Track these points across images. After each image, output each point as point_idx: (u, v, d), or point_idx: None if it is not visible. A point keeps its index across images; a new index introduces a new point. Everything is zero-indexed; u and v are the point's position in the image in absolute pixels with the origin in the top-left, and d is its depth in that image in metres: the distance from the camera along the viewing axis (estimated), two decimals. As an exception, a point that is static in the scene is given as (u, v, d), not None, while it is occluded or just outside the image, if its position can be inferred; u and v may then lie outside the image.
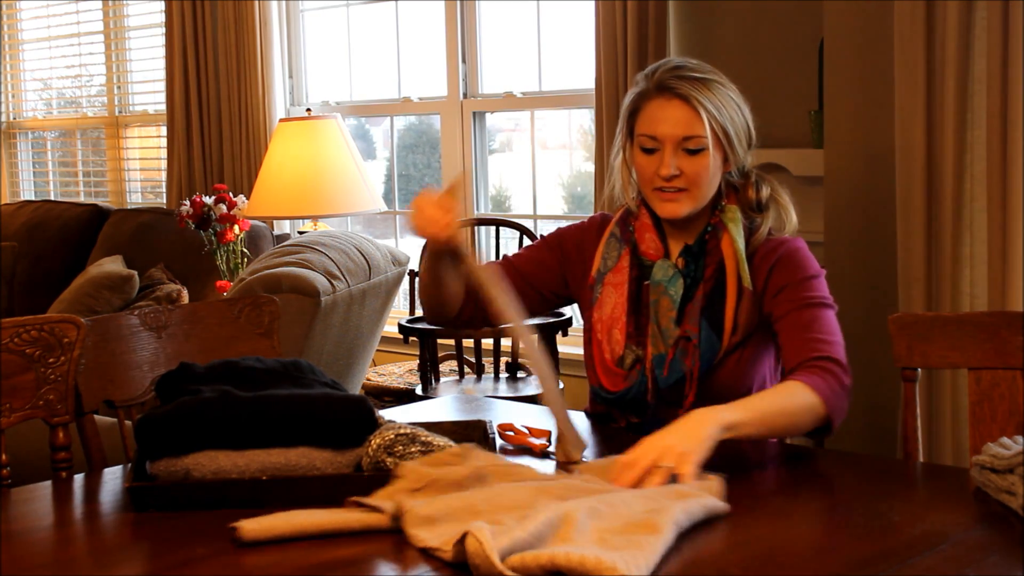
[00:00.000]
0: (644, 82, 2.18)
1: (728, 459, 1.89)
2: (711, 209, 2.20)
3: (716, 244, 2.17)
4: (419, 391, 3.85)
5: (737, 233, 2.16)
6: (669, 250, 2.21)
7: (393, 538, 1.65)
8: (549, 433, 2.10)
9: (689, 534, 1.64)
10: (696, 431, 1.82)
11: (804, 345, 2.07)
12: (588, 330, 2.24)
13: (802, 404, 1.98)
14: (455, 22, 4.78)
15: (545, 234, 2.38)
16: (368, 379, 4.27)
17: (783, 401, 1.98)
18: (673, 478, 1.74)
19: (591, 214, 4.37)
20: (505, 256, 2.36)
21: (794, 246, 2.19)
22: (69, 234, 5.24)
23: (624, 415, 2.22)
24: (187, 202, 4.56)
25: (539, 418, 2.26)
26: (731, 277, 2.15)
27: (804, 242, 2.22)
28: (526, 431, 2.11)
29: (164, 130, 5.73)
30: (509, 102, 4.72)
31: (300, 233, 4.48)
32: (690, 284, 2.16)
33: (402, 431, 1.82)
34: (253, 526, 1.63)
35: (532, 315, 2.30)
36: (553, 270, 2.31)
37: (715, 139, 2.13)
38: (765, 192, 2.22)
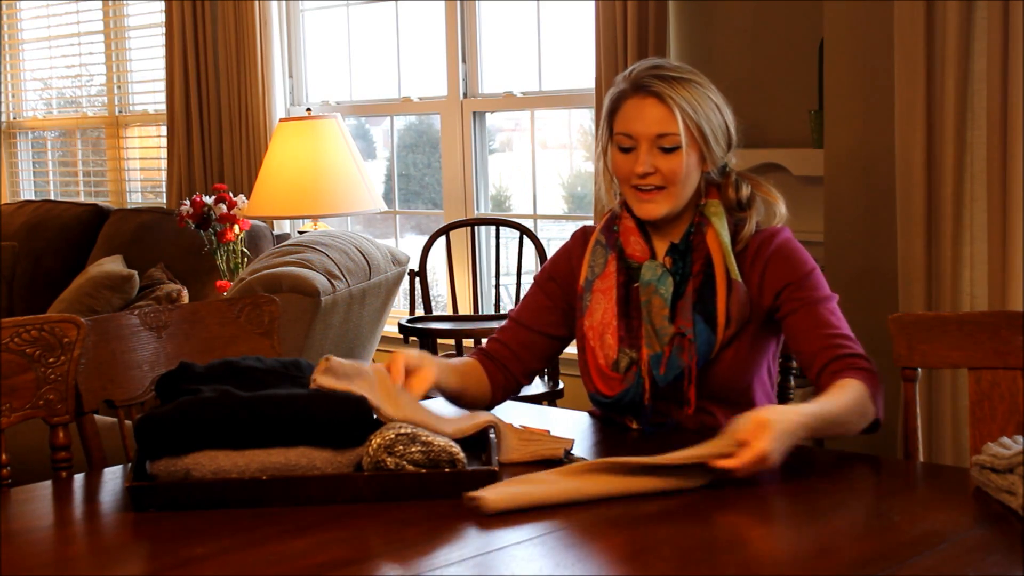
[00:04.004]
0: (622, 82, 2.20)
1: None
2: (694, 208, 2.21)
3: (701, 239, 2.19)
4: (419, 391, 3.84)
5: (721, 227, 2.18)
6: (655, 251, 2.22)
7: (393, 536, 1.65)
8: (547, 432, 2.10)
9: (687, 533, 1.64)
10: (788, 441, 1.85)
11: (828, 342, 2.11)
12: (581, 338, 2.25)
13: (864, 409, 2.03)
14: (455, 22, 4.78)
15: (535, 276, 2.39)
16: (368, 379, 4.26)
17: (850, 402, 2.01)
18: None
19: (590, 214, 4.39)
20: (510, 316, 2.35)
21: (783, 238, 2.21)
22: (69, 234, 5.24)
23: (622, 419, 2.22)
24: (187, 202, 4.56)
25: (538, 418, 2.26)
26: (719, 270, 2.16)
27: (790, 231, 2.25)
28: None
29: (164, 130, 5.73)
30: (509, 102, 4.72)
31: (300, 233, 4.48)
32: (679, 281, 2.17)
33: (402, 431, 1.82)
34: (495, 495, 1.69)
35: (550, 359, 2.35)
36: (555, 306, 2.31)
37: (690, 137, 2.14)
38: (745, 191, 2.24)
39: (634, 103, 2.15)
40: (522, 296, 2.44)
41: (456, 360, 2.25)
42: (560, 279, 2.31)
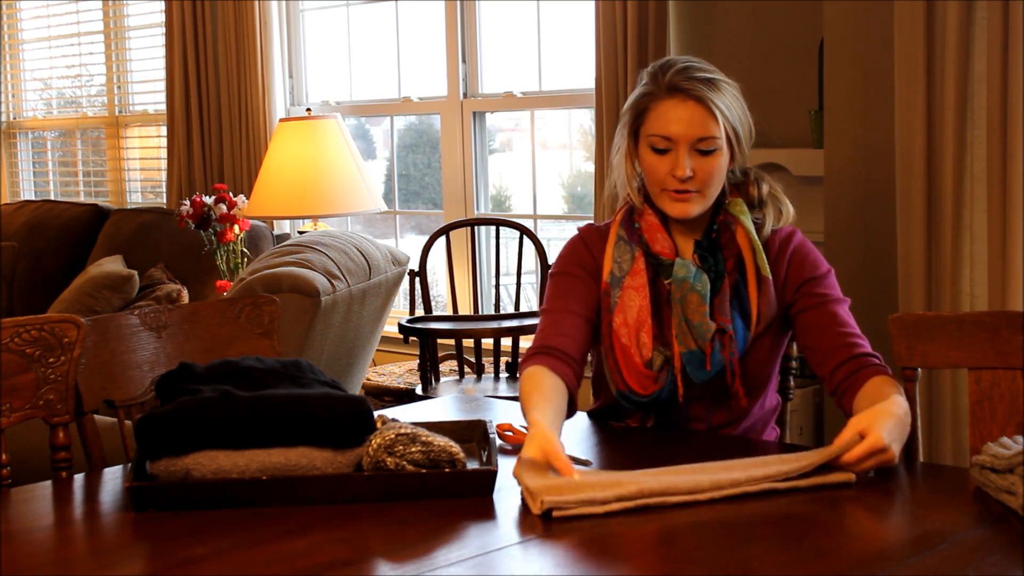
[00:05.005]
0: (652, 83, 2.17)
1: (728, 458, 1.89)
2: (715, 205, 2.22)
3: (731, 237, 2.19)
4: (419, 391, 3.85)
5: (750, 225, 2.20)
6: (679, 248, 2.22)
7: (393, 536, 1.65)
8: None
9: (687, 533, 1.65)
10: (899, 428, 1.89)
11: (844, 340, 2.14)
12: (608, 335, 2.19)
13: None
14: (455, 22, 4.78)
15: (553, 270, 2.30)
16: (368, 379, 4.27)
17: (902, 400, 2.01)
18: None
19: (590, 214, 4.38)
20: (550, 309, 2.23)
21: (801, 238, 2.26)
22: (69, 234, 5.24)
23: (649, 416, 2.22)
24: (187, 202, 4.56)
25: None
26: (750, 267, 2.18)
27: (802, 233, 2.28)
28: (525, 431, 2.11)
29: (164, 130, 5.73)
30: (509, 102, 4.72)
31: (300, 233, 4.48)
32: (714, 278, 2.18)
33: (402, 431, 1.82)
34: (555, 497, 1.69)
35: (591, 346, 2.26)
36: (589, 294, 2.24)
37: (726, 139, 2.15)
38: (765, 189, 2.26)
39: (671, 105, 2.13)
40: (542, 291, 2.33)
41: (550, 400, 2.06)
42: (589, 269, 2.24)
